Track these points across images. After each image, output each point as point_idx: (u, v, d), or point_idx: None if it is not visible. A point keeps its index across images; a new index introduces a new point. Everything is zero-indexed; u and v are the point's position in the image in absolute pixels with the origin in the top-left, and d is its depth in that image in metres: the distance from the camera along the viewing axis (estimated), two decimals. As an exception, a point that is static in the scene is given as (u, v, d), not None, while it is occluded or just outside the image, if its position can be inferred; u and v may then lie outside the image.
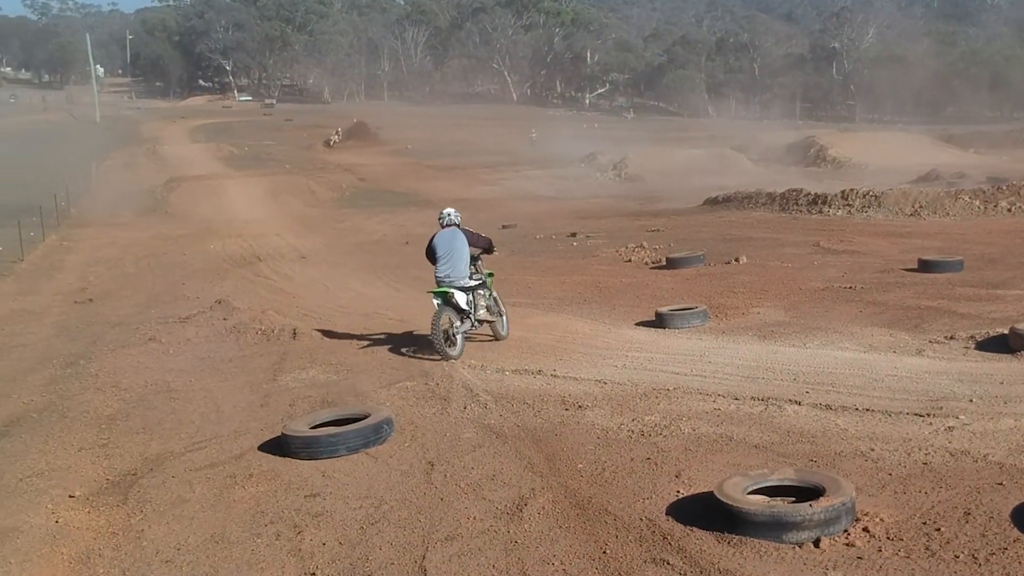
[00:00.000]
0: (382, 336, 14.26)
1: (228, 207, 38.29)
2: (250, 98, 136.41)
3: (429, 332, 12.47)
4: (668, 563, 6.34)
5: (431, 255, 13.44)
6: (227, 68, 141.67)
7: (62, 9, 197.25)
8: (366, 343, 13.77)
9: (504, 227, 30.14)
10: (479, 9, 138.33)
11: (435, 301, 12.81)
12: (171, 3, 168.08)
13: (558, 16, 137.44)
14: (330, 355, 13.04)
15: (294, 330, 14.55)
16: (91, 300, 19.58)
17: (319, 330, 14.76)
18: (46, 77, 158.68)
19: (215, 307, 16.10)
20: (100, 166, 58.73)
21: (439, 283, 13.10)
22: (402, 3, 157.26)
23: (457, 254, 13.17)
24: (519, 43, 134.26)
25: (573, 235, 27.49)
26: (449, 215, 13.53)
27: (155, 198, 41.11)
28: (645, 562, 6.40)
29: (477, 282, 13.41)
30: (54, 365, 13.61)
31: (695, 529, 6.76)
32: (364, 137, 75.57)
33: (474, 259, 13.50)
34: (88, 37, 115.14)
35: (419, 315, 14.67)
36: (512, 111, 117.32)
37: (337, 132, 62.91)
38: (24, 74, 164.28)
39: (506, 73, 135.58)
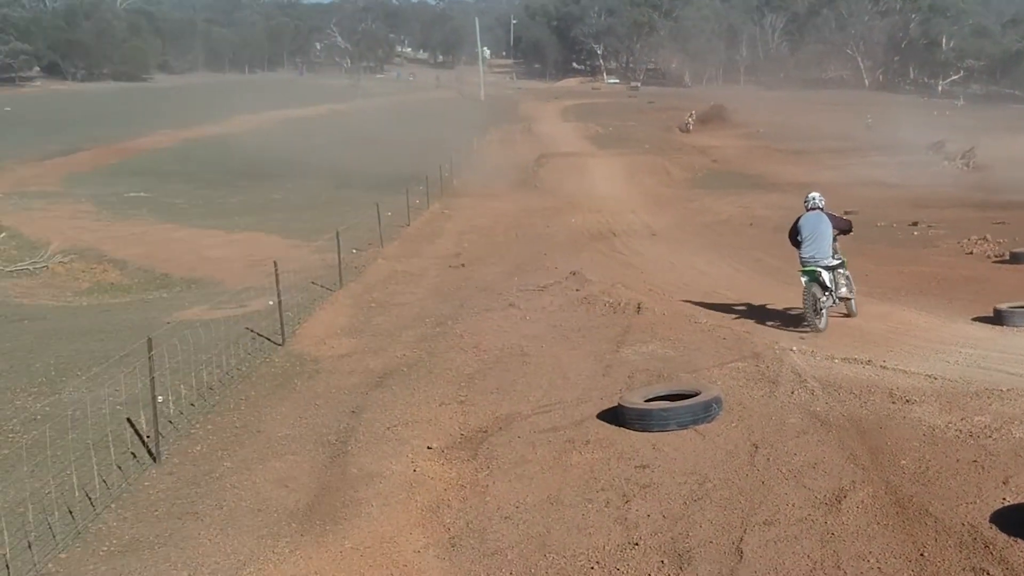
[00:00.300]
0: (720, 315, 14.38)
1: (590, 183, 39.52)
2: (617, 81, 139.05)
3: (802, 306, 13.47)
4: (988, 574, 6.06)
5: (794, 235, 14.15)
6: (598, 52, 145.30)
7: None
8: (704, 321, 13.95)
9: (846, 213, 28.81)
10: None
11: (803, 279, 13.51)
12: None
13: (915, 1, 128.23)
14: (669, 330, 13.34)
15: (639, 304, 14.98)
16: (463, 265, 21.12)
17: (662, 306, 15.10)
18: (440, 58, 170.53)
19: (570, 278, 16.92)
20: (480, 141, 62.47)
21: (804, 263, 13.72)
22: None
23: (821, 236, 13.86)
24: (874, 29, 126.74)
25: (914, 224, 25.96)
26: (814, 199, 14.39)
27: (526, 173, 43.20)
28: (964, 570, 6.18)
29: (837, 262, 14.00)
30: (426, 324, 14.90)
31: (1020, 541, 6.39)
32: (718, 120, 74.76)
33: (832, 240, 14.04)
34: (477, 21, 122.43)
35: (757, 295, 14.65)
36: (863, 97, 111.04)
37: (691, 115, 62.42)
38: (422, 55, 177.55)
39: (859, 59, 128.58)
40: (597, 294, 15.70)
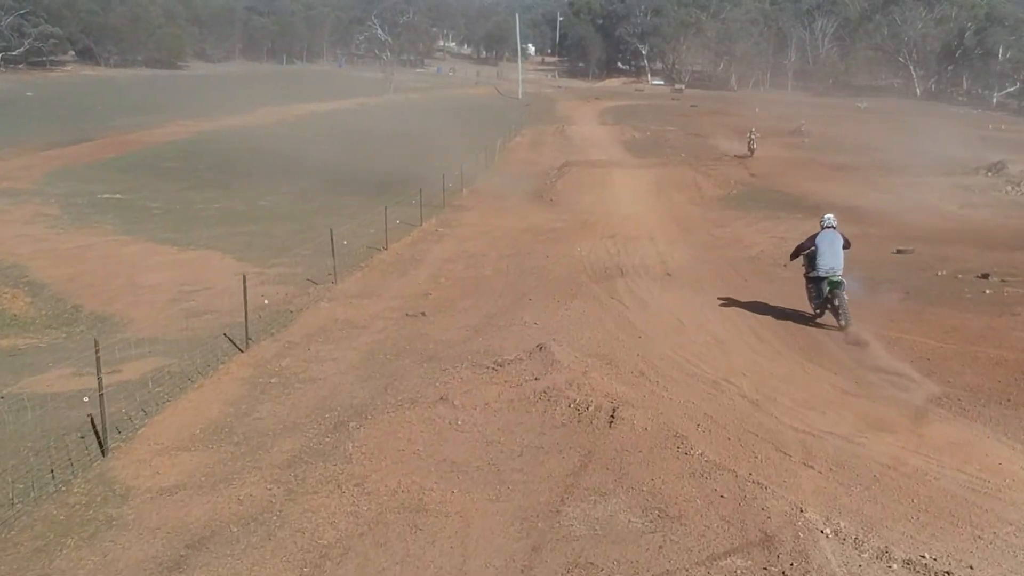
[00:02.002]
0: (725, 433, 10.07)
1: (610, 199, 35.16)
2: (662, 82, 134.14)
3: (815, 310, 16.39)
4: None
5: (806, 249, 16.64)
6: (643, 52, 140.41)
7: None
8: (699, 451, 9.63)
9: (899, 251, 24.28)
10: (890, 1, 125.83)
11: (825, 288, 15.97)
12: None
13: (971, 10, 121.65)
14: (645, 471, 9.10)
15: (613, 410, 10.70)
16: (423, 314, 16.93)
17: (646, 412, 10.81)
18: (483, 53, 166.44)
19: (534, 354, 12.67)
20: (508, 142, 58.36)
21: (826, 273, 15.96)
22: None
23: (836, 251, 16.21)
24: (928, 36, 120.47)
25: (985, 276, 20.47)
26: (830, 219, 16.87)
27: (544, 183, 38.94)
28: None
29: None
30: (320, 425, 10.83)
31: None
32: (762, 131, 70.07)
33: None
34: (517, 17, 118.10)
35: (782, 390, 10.38)
36: (914, 106, 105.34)
37: (753, 133, 55.20)
38: (465, 50, 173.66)
39: (911, 67, 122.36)
40: (562, 386, 11.42)
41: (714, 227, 29.17)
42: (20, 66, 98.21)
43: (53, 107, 71.36)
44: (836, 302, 15.69)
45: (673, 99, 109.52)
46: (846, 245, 16.42)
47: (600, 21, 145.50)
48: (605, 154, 54.14)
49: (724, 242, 26.11)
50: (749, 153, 49.69)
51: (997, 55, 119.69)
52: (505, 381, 11.81)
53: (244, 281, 14.96)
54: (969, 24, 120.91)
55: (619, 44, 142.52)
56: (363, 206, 33.06)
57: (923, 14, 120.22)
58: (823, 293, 15.95)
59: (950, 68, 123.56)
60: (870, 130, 73.43)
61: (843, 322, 15.56)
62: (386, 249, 24.05)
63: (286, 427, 10.81)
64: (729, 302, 18.02)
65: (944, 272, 20.91)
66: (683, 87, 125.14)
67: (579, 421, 10.47)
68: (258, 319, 16.59)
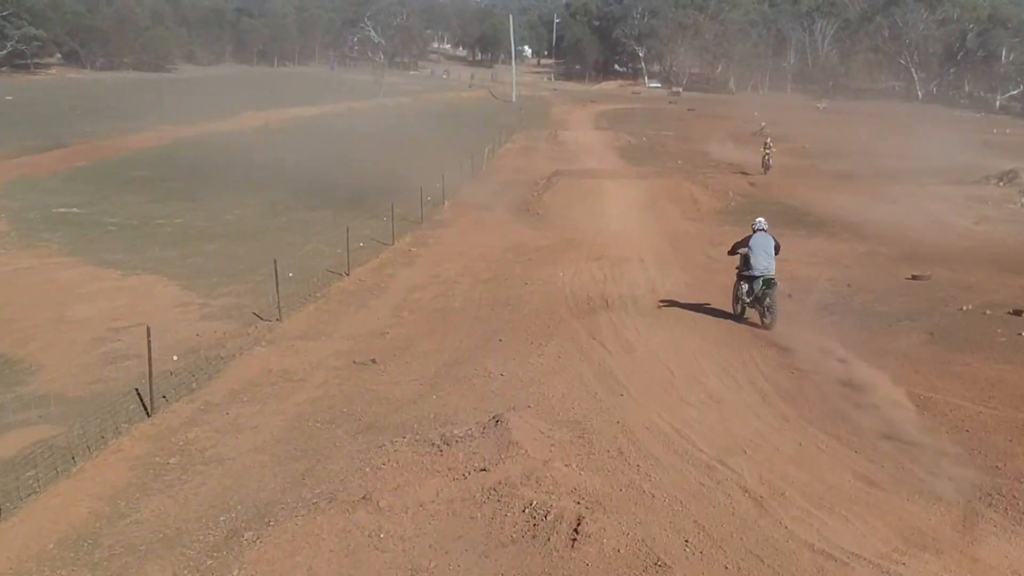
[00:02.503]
0: (724, 566, 7.75)
1: (600, 212, 32.84)
2: (659, 85, 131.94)
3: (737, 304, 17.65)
4: None
5: (740, 248, 17.65)
6: (640, 54, 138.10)
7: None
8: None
9: (914, 277, 21.95)
10: (891, 2, 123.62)
11: (760, 286, 16.93)
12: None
13: (974, 11, 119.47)
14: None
15: (579, 520, 8.37)
16: (374, 361, 14.63)
17: (619, 520, 8.51)
18: (479, 55, 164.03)
19: (488, 431, 10.33)
20: (498, 148, 56.07)
21: (760, 272, 16.98)
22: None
23: (769, 252, 17.26)
24: (929, 38, 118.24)
25: (1018, 313, 17.72)
26: (761, 223, 17.97)
27: (531, 195, 36.62)
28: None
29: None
30: (207, 536, 8.52)
31: None
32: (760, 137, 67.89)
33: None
34: (511, 19, 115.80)
35: (791, 477, 8.08)
36: (915, 109, 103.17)
37: (768, 146, 50.39)
38: (460, 51, 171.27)
39: (913, 70, 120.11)
40: (517, 481, 9.04)
41: (710, 246, 26.82)
42: (3, 69, 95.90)
43: (31, 111, 69.06)
44: (767, 301, 16.79)
45: (670, 102, 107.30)
46: (777, 248, 17.61)
47: (597, 23, 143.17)
48: (598, 161, 51.87)
49: (721, 265, 23.71)
50: (763, 170, 43.40)
51: (1000, 57, 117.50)
52: (449, 469, 9.47)
53: (148, 335, 12.56)
54: (971, 26, 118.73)
55: (616, 46, 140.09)
56: (334, 221, 30.80)
57: (925, 15, 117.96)
58: (755, 291, 17.03)
59: (952, 71, 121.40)
60: (870, 134, 71.28)
61: (767, 321, 16.81)
62: (347, 275, 21.73)
63: (166, 538, 8.54)
64: (726, 344, 15.73)
65: (970, 306, 18.52)
66: (680, 90, 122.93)
67: (534, 536, 8.15)
68: (183, 368, 14.32)
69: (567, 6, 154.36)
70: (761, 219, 18.37)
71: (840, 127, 78.14)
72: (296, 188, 37.63)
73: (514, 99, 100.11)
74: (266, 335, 16.12)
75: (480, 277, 22.08)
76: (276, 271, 17.53)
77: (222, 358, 14.65)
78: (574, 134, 68.25)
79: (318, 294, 19.75)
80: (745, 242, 17.58)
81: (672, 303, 19.05)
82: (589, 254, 24.97)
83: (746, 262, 17.39)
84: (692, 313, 18.22)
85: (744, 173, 45.04)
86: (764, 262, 17.09)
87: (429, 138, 61.90)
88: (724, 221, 31.73)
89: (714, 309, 18.56)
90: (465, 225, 30.72)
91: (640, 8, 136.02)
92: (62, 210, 31.59)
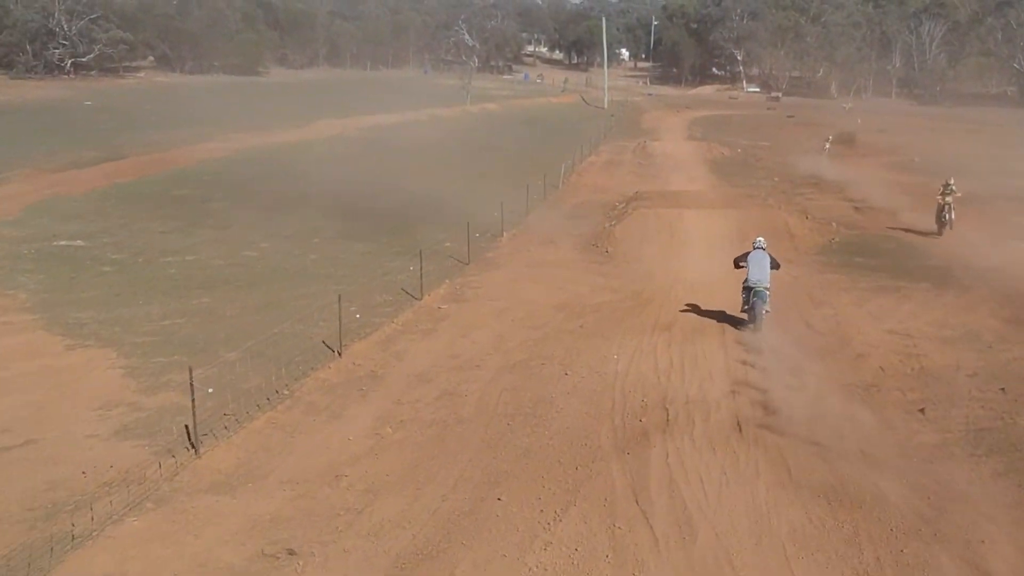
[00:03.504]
0: None
1: (678, 251, 27.16)
2: (758, 89, 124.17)
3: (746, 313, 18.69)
4: None
5: (740, 262, 19.29)
6: (738, 57, 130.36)
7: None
8: None
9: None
10: (1004, 3, 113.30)
11: (753, 296, 18.49)
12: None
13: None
14: None
15: None
16: (292, 552, 9.49)
17: None
18: (575, 59, 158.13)
19: None
20: (581, 162, 50.63)
21: (752, 284, 18.53)
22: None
23: (764, 268, 18.71)
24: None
25: None
26: (760, 242, 19.62)
27: (604, 225, 31.19)
28: None
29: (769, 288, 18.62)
30: None
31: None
32: (857, 143, 60.72)
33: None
34: (604, 21, 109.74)
35: None
36: None
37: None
38: (556, 54, 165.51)
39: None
40: None
41: (810, 305, 20.94)
42: (92, 72, 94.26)
43: (106, 118, 66.24)
44: (756, 310, 18.38)
45: (769, 108, 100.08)
46: (775, 265, 19.26)
47: (694, 25, 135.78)
48: (687, 177, 46.02)
49: (825, 341, 17.88)
50: (938, 229, 30.88)
51: None
52: None
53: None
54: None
55: (713, 49, 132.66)
56: (373, 258, 26.07)
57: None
58: (749, 300, 18.54)
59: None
60: (986, 145, 63.57)
61: (753, 327, 18.33)
62: (340, 354, 16.68)
63: None
64: (842, 520, 10.11)
65: None
66: (779, 95, 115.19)
67: None
68: (17, 550, 9.43)
69: (664, 8, 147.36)
70: (761, 238, 20.02)
71: (950, 137, 70.24)
72: (344, 211, 33.09)
73: (605, 105, 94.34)
74: (162, 486, 11.09)
75: (511, 358, 16.76)
76: (192, 388, 12.38)
77: (73, 538, 9.67)
78: (664, 145, 62.28)
79: (285, 390, 14.73)
80: (744, 257, 19.32)
81: (767, 415, 13.49)
82: (657, 320, 19.41)
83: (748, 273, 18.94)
84: (791, 442, 12.58)
85: (849, 200, 38.65)
86: (757, 275, 18.61)
87: (508, 149, 57.09)
88: (827, 265, 25.66)
89: (822, 432, 12.88)
90: (518, 267, 25.46)
91: (739, 10, 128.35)
92: (64, 243, 27.34)
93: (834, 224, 31.32)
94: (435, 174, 43.52)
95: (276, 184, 39.58)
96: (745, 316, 18.81)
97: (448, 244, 27.00)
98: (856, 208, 35.92)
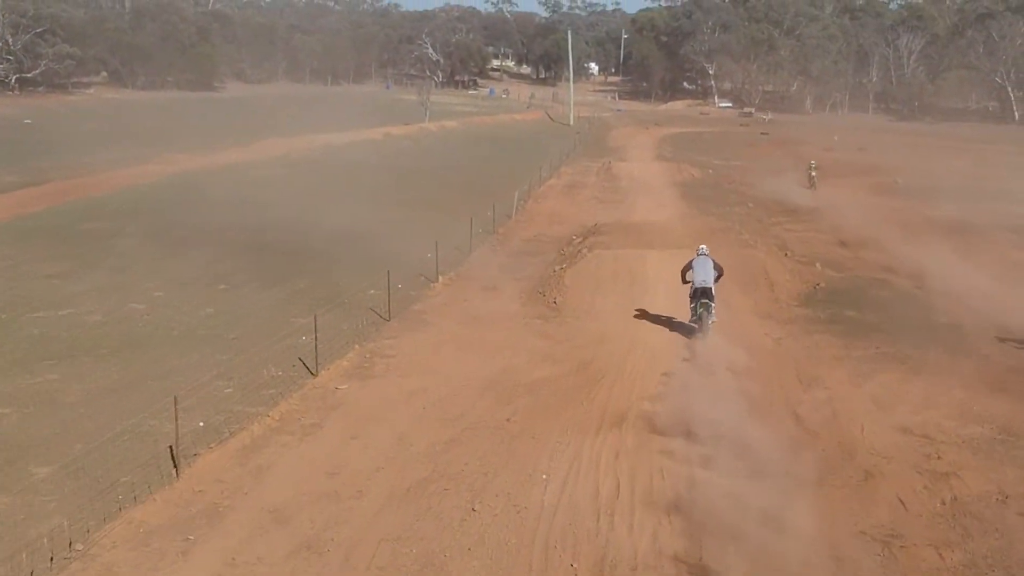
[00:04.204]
0: None
1: (638, 303, 22.96)
2: (730, 104, 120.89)
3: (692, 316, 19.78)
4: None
5: (686, 271, 20.40)
6: (710, 71, 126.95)
7: (571, 7, 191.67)
8: None
9: None
10: (986, 15, 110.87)
11: (700, 308, 19.66)
12: (665, 5, 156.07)
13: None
14: None
15: None
16: None
17: None
18: (543, 73, 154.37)
19: None
20: (537, 188, 46.60)
21: (698, 285, 19.75)
22: (898, 7, 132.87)
23: (708, 271, 19.86)
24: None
25: None
26: (704, 249, 20.80)
27: (554, 268, 27.17)
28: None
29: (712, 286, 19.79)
30: None
31: None
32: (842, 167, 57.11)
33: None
34: (570, 34, 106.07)
35: None
36: (1012, 133, 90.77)
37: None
38: (524, 69, 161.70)
39: (1010, 89, 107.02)
40: None
41: (798, 386, 16.89)
42: (40, 88, 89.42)
43: (41, 137, 61.78)
44: (702, 313, 19.67)
45: (742, 124, 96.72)
46: (719, 268, 20.35)
47: (665, 39, 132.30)
48: (654, 202, 42.24)
49: (820, 447, 13.77)
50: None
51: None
52: None
53: None
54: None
55: (684, 63, 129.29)
56: (278, 312, 21.98)
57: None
58: (696, 300, 19.80)
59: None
60: (971, 165, 60.38)
61: (700, 335, 19.67)
62: (177, 474, 12.43)
63: None
64: None
65: None
66: (753, 110, 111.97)
67: None
68: None
69: (633, 21, 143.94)
70: (703, 246, 21.23)
71: (934, 155, 66.91)
72: (264, 248, 29.23)
73: (571, 122, 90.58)
74: None
75: (407, 477, 12.61)
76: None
77: None
78: (631, 166, 58.53)
79: (79, 544, 10.52)
80: (689, 265, 20.36)
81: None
82: (605, 409, 15.34)
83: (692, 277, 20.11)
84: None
85: (831, 229, 34.85)
86: (702, 277, 19.80)
87: (464, 171, 53.17)
88: (814, 322, 21.61)
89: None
90: (448, 325, 21.35)
91: (711, 22, 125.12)
92: None
93: (818, 265, 27.42)
94: (377, 202, 39.41)
95: (199, 215, 35.28)
96: (695, 325, 19.93)
97: (373, 292, 22.86)
98: (841, 242, 32.13)
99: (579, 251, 28.28)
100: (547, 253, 30.10)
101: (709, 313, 19.57)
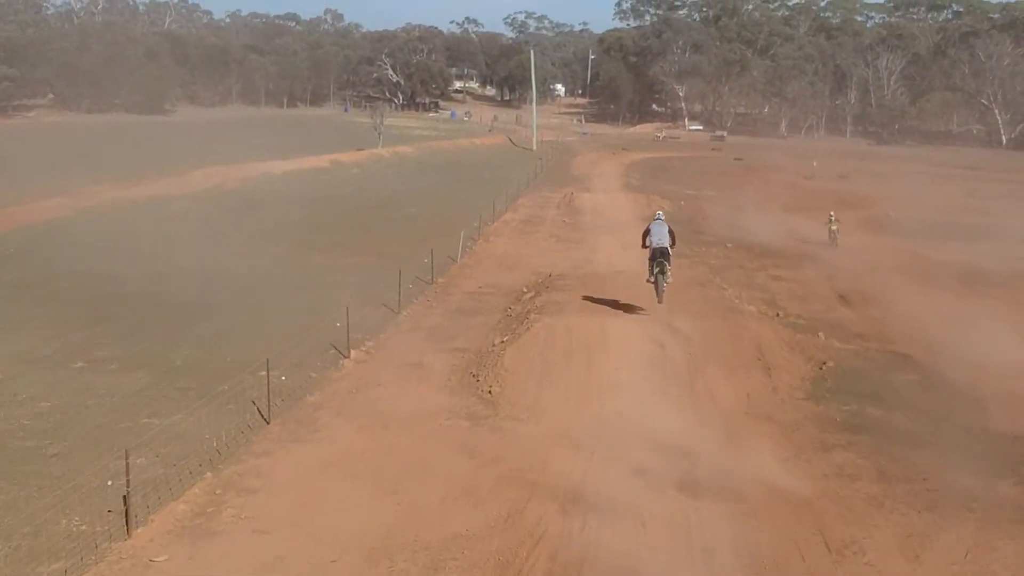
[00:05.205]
0: None
1: (593, 399, 17.47)
2: (701, 127, 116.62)
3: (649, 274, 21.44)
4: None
5: (647, 234, 21.94)
6: (680, 93, 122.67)
7: (538, 28, 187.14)
8: None
9: None
10: (970, 33, 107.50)
11: (656, 270, 21.38)
12: (634, 24, 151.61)
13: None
14: None
15: None
16: None
17: None
18: (507, 95, 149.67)
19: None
20: (490, 225, 41.40)
21: (655, 245, 21.37)
22: (877, 26, 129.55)
23: (664, 234, 21.45)
24: (1018, 75, 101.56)
25: None
26: (660, 215, 23.05)
27: (492, 344, 21.75)
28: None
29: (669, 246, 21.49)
30: None
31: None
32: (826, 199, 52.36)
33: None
34: (532, 54, 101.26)
35: None
36: (999, 159, 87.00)
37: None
38: (488, 90, 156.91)
39: (997, 111, 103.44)
40: None
41: (827, 558, 11.67)
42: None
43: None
44: (658, 274, 21.41)
45: (714, 149, 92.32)
46: (672, 233, 21.84)
47: (633, 59, 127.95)
48: (620, 243, 36.85)
49: None
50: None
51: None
52: None
53: None
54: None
55: (653, 84, 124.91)
56: (135, 407, 16.90)
57: (1011, 48, 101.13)
58: (656, 257, 21.39)
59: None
60: (964, 193, 56.22)
61: (661, 292, 21.57)
62: None
63: None
64: None
65: None
66: (725, 134, 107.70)
67: None
68: None
69: (601, 40, 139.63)
70: (660, 212, 24.74)
71: (922, 182, 62.70)
72: (149, 310, 24.10)
73: (534, 147, 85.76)
74: None
75: None
76: None
77: None
78: (595, 197, 53.66)
79: None
80: (648, 230, 22.02)
81: None
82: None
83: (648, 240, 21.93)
84: None
85: (827, 278, 29.93)
86: (658, 238, 21.59)
87: (411, 204, 48.28)
88: (828, 428, 16.26)
89: None
90: (345, 433, 16.09)
91: (681, 42, 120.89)
92: None
93: (821, 334, 22.22)
94: (305, 244, 34.31)
95: (87, 261, 30.03)
96: (650, 281, 21.62)
97: (263, 374, 17.46)
98: (841, 297, 27.17)
99: (527, 314, 22.96)
100: (491, 312, 25.03)
101: (664, 274, 21.36)
